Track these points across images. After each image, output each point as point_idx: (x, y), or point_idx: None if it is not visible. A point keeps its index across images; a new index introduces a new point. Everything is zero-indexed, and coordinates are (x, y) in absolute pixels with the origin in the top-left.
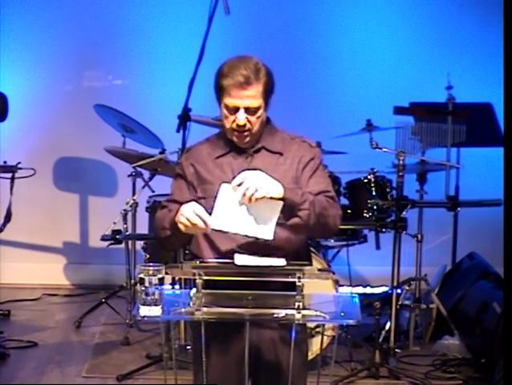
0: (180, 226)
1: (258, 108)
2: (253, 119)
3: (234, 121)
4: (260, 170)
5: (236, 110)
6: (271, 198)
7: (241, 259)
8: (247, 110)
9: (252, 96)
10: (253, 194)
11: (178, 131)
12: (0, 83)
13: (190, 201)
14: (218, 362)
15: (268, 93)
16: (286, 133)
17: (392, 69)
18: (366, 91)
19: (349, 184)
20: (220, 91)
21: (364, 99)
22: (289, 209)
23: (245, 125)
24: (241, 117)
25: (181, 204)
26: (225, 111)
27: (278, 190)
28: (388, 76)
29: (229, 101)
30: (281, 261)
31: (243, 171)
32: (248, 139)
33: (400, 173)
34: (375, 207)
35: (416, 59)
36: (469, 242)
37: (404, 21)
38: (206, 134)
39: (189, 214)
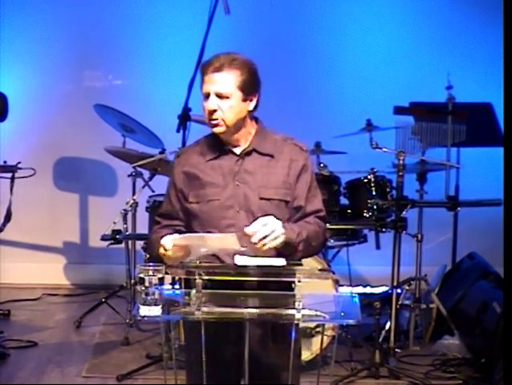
0: (166, 260)
1: (228, 96)
2: (224, 106)
3: (206, 108)
4: (250, 171)
5: (208, 96)
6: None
7: (241, 259)
8: (219, 97)
9: (221, 81)
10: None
11: (178, 131)
12: (0, 83)
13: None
14: (213, 362)
15: (245, 86)
16: (276, 134)
17: (392, 69)
18: (366, 91)
19: (349, 184)
20: (200, 86)
21: (364, 99)
22: (286, 247)
23: (215, 111)
24: (211, 102)
25: (173, 217)
26: (203, 102)
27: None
28: (388, 76)
29: (203, 88)
30: (280, 261)
31: (234, 173)
32: (221, 128)
33: (400, 173)
34: (375, 207)
35: (416, 59)
36: (469, 242)
37: (405, 21)
38: (206, 134)
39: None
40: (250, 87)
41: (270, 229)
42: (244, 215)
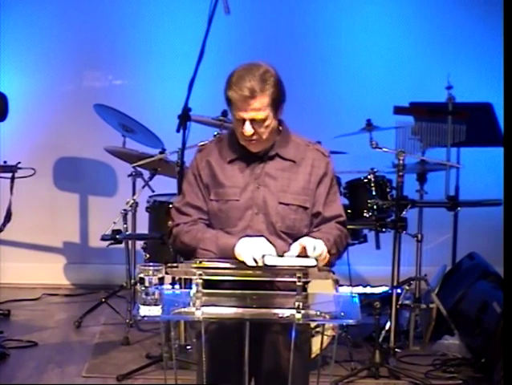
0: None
1: (264, 119)
2: (260, 129)
3: (242, 132)
4: (272, 175)
5: (243, 121)
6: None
7: (271, 260)
8: (253, 121)
9: (256, 109)
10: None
11: (178, 131)
12: (0, 83)
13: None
14: (219, 362)
15: (277, 102)
16: (300, 138)
17: (392, 69)
18: (366, 91)
19: (349, 184)
20: (228, 102)
21: (364, 99)
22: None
23: (252, 135)
24: (247, 128)
25: (203, 211)
26: (234, 121)
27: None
28: (388, 76)
29: (236, 113)
30: (311, 261)
31: (256, 176)
32: (259, 146)
33: (400, 173)
34: (375, 207)
35: (416, 59)
36: (469, 242)
37: (404, 21)
38: (206, 134)
39: (255, 254)
40: (280, 102)
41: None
42: (262, 218)
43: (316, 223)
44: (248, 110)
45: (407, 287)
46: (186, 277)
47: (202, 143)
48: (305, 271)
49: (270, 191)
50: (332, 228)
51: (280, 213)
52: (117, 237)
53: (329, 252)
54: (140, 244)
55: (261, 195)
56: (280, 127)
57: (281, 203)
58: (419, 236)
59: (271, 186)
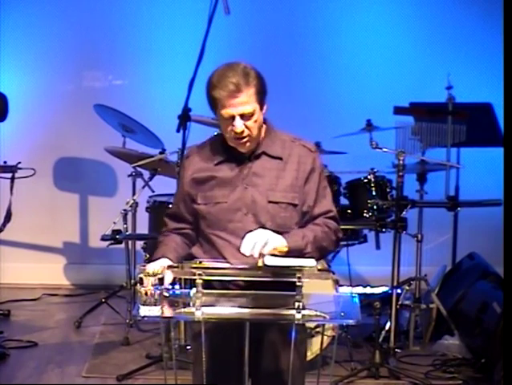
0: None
1: (252, 113)
2: (250, 124)
3: (233, 130)
4: (259, 174)
5: (232, 118)
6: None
7: (270, 260)
8: (243, 116)
9: (245, 102)
10: (261, 249)
11: (178, 131)
12: (0, 83)
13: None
14: (218, 362)
15: (261, 95)
16: (285, 135)
17: (392, 69)
18: (366, 91)
19: (349, 184)
20: (213, 103)
21: (364, 99)
22: (295, 255)
23: (243, 132)
24: (239, 124)
25: (179, 219)
26: (222, 122)
27: (281, 242)
28: (388, 76)
29: (224, 111)
30: (311, 262)
31: (243, 176)
32: (249, 144)
33: (400, 173)
34: (375, 207)
35: (416, 59)
36: (469, 242)
37: (404, 21)
38: (206, 134)
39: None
40: (263, 94)
41: (254, 239)
42: (252, 218)
43: (305, 220)
44: (236, 105)
45: (407, 287)
46: (186, 277)
47: (190, 148)
48: (305, 271)
49: (258, 190)
50: (318, 224)
51: (270, 212)
52: (117, 237)
53: (303, 249)
54: (140, 244)
55: (249, 195)
56: (264, 125)
57: (270, 202)
58: (419, 236)
59: (259, 185)
